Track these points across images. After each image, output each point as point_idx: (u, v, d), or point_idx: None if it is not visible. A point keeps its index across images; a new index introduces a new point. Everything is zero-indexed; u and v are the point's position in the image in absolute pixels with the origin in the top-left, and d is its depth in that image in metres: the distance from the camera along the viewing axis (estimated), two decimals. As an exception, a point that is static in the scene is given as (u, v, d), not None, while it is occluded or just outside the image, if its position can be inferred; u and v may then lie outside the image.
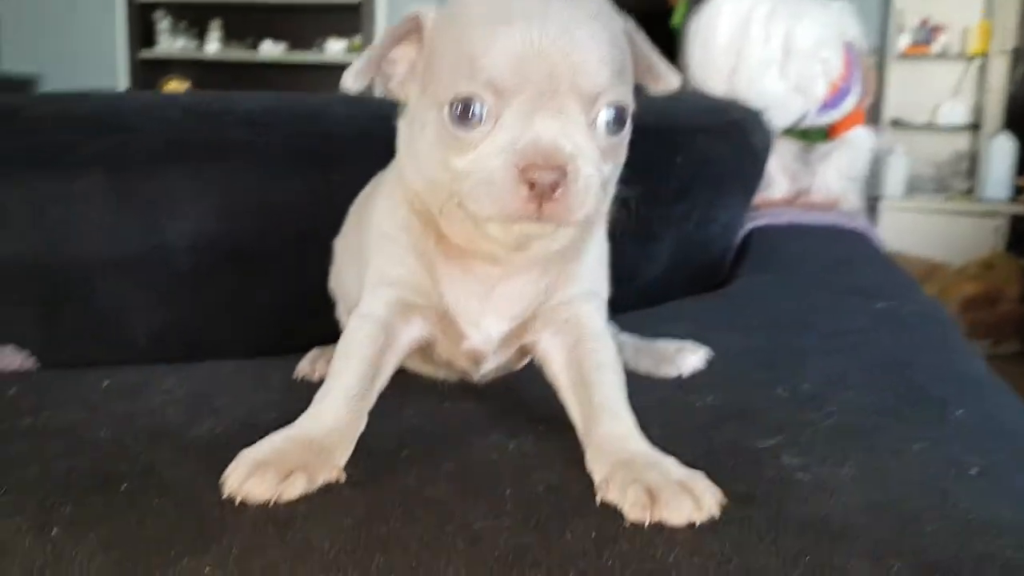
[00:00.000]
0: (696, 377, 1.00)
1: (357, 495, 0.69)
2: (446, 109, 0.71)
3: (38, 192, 1.11)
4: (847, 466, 0.75)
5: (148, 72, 6.07)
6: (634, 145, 1.58)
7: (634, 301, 1.67)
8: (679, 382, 0.98)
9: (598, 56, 0.71)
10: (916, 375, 1.00)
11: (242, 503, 0.67)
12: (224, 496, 0.68)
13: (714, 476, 0.72)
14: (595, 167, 0.70)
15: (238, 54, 5.92)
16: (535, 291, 0.82)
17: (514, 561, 0.60)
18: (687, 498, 0.66)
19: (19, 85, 6.28)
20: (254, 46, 5.83)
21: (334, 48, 5.72)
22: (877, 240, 2.20)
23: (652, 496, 0.66)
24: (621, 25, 0.77)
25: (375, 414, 0.84)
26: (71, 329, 1.14)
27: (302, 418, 0.75)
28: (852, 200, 2.57)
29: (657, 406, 0.90)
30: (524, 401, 0.90)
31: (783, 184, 2.58)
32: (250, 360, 1.06)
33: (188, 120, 1.20)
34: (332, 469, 0.71)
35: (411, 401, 0.89)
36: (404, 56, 0.78)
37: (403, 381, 0.94)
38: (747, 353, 1.08)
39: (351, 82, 0.76)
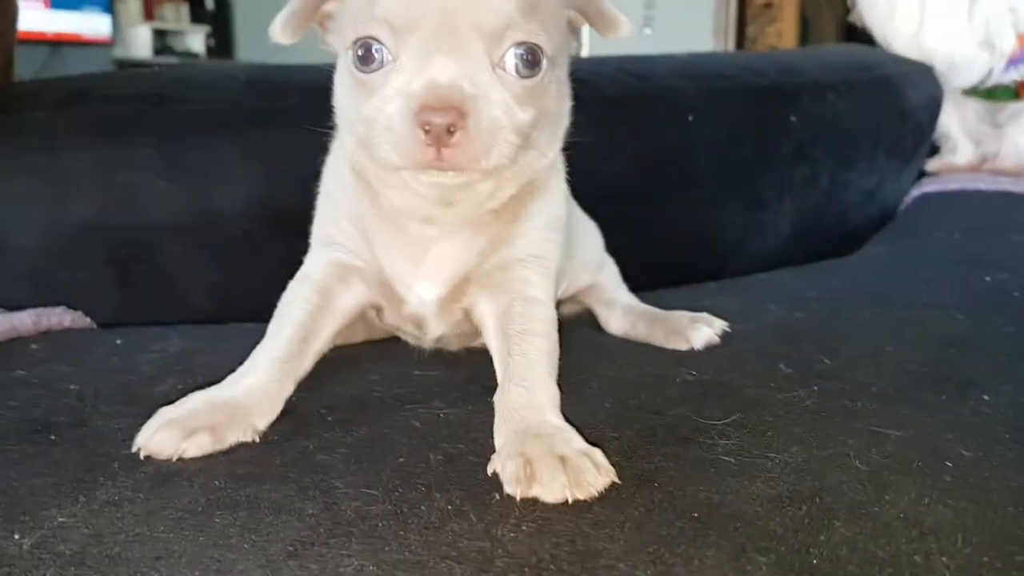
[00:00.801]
0: (705, 351, 0.92)
1: (253, 456, 0.69)
2: (350, 52, 0.69)
3: (106, 159, 1.17)
4: (790, 453, 0.66)
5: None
6: (736, 103, 1.50)
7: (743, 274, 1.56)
8: (681, 356, 0.91)
9: None
10: (962, 355, 0.87)
11: (147, 458, 0.68)
12: (133, 450, 0.69)
13: (630, 455, 0.66)
14: (503, 111, 0.66)
15: None
16: (469, 255, 0.78)
17: (342, 532, 0.57)
18: (563, 475, 0.60)
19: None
20: None
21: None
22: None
23: (531, 470, 0.61)
24: None
25: (333, 379, 0.83)
26: (140, 289, 1.21)
27: (227, 379, 0.76)
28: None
29: (635, 379, 0.84)
30: (493, 371, 0.86)
31: (967, 149, 2.33)
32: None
33: (246, 91, 1.23)
34: (246, 430, 0.71)
35: (381, 367, 0.88)
36: (337, 9, 0.76)
37: (387, 347, 0.93)
38: (783, 327, 0.98)
39: (278, 34, 0.74)
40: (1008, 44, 2.19)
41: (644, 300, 1.04)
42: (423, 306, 0.81)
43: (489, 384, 0.80)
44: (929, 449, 0.67)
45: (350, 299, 0.82)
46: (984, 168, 2.31)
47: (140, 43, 6.24)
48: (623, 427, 0.71)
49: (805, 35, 7.35)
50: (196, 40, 6.67)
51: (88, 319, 1.12)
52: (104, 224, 1.17)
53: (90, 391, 0.83)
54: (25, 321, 1.02)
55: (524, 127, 0.69)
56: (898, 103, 1.80)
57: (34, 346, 0.97)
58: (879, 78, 1.80)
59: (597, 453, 0.63)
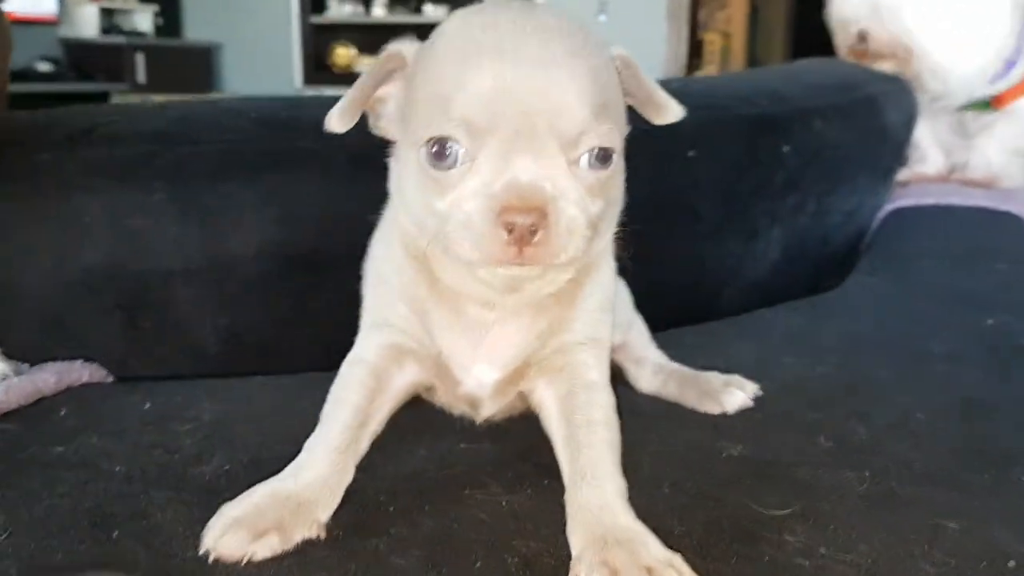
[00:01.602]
0: (737, 417, 0.93)
1: (325, 559, 0.68)
2: (423, 149, 0.69)
3: (116, 203, 1.15)
4: (858, 552, 0.68)
5: (319, 36, 6.28)
6: (734, 135, 1.51)
7: (738, 302, 1.59)
8: (716, 422, 0.92)
9: (576, 95, 0.67)
10: (992, 423, 0.90)
11: (216, 560, 0.68)
12: (200, 552, 0.68)
13: (704, 554, 0.67)
14: (579, 207, 0.67)
15: (402, 17, 6.03)
16: (528, 338, 0.79)
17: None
18: None
19: (202, 53, 6.66)
20: (417, 9, 5.93)
21: (494, 8, 5.72)
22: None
23: None
24: (607, 58, 0.72)
25: (382, 455, 0.83)
26: (149, 337, 1.19)
27: (286, 470, 0.75)
28: (1015, 176, 2.34)
29: (681, 453, 0.85)
30: (539, 443, 0.86)
31: (937, 158, 2.39)
32: (292, 376, 1.09)
33: (255, 131, 1.21)
34: (311, 525, 0.71)
35: (427, 440, 0.88)
36: (390, 93, 0.76)
37: (428, 416, 0.93)
38: (806, 385, 1.01)
39: (335, 124, 0.74)
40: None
41: (658, 341, 1.06)
42: (480, 388, 0.81)
43: (540, 461, 0.81)
44: (988, 544, 0.69)
45: (404, 380, 0.82)
46: (953, 178, 2.37)
47: (87, 22, 6.05)
48: (687, 518, 0.73)
49: (755, 20, 7.43)
50: (144, 19, 6.50)
51: (105, 371, 1.10)
52: (115, 269, 1.14)
53: (136, 472, 0.82)
54: (48, 381, 1.00)
55: (595, 219, 0.70)
56: (880, 124, 1.83)
57: (62, 412, 0.95)
58: (862, 99, 1.82)
59: (678, 559, 0.65)
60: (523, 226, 0.64)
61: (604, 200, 0.71)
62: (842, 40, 2.29)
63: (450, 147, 0.67)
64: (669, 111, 0.77)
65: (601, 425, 0.76)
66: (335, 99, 0.77)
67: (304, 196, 1.19)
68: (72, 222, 1.13)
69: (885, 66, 2.19)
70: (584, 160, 0.68)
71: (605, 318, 0.83)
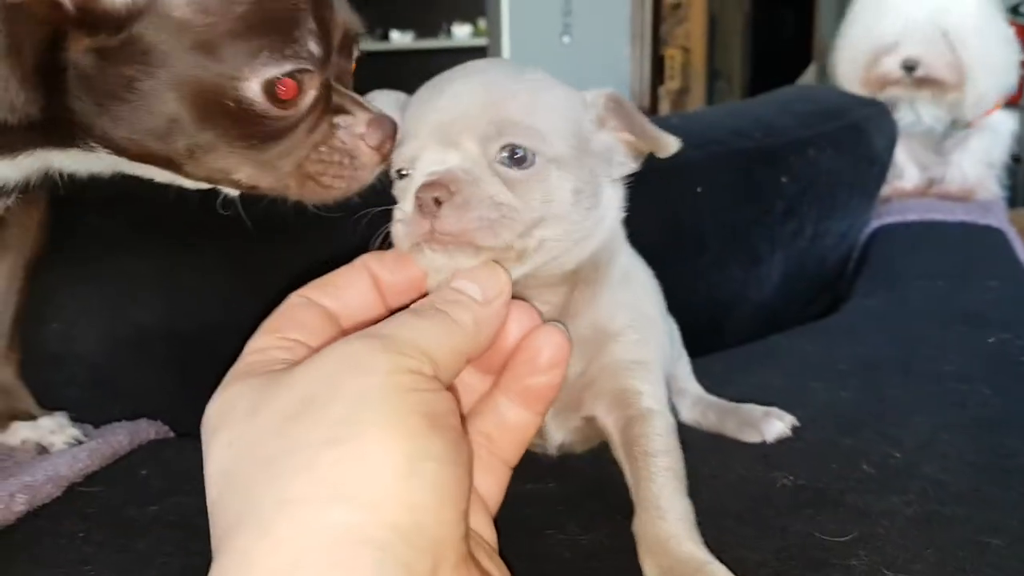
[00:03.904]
0: (780, 446, 1.00)
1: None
2: (395, 176, 0.80)
3: (167, 263, 1.20)
4: (916, 571, 0.75)
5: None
6: (735, 169, 1.59)
7: (746, 324, 1.67)
8: (763, 452, 0.99)
9: (491, 98, 0.75)
10: (1009, 440, 0.98)
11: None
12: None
13: (776, 583, 0.74)
14: (492, 190, 0.72)
15: (369, 45, 6.08)
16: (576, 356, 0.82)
17: None
18: None
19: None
20: (384, 37, 5.99)
21: (460, 33, 5.81)
22: (1011, 236, 2.11)
23: None
24: (560, 91, 0.80)
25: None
26: (202, 388, 1.22)
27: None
28: (990, 189, 2.45)
29: (736, 485, 0.92)
30: (604, 481, 0.92)
31: (913, 174, 2.49)
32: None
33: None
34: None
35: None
36: None
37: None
38: (835, 411, 1.08)
39: None
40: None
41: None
42: None
43: (608, 499, 0.87)
44: (1028, 556, 0.77)
45: None
46: (931, 192, 2.47)
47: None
48: (758, 549, 0.79)
49: (713, 34, 7.57)
50: None
51: (167, 428, 1.15)
52: (167, 327, 1.19)
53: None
54: (122, 442, 1.04)
55: (519, 211, 0.73)
56: (868, 150, 1.93)
57: (143, 472, 1.00)
58: (849, 126, 1.92)
59: (750, 586, 0.71)
60: (427, 199, 0.70)
61: (533, 201, 0.74)
62: (863, 67, 2.35)
63: (404, 170, 0.78)
64: (666, 144, 0.82)
65: (662, 454, 0.81)
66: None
67: (352, 251, 1.25)
68: (122, 283, 1.18)
69: (923, 94, 2.29)
70: (503, 156, 0.74)
71: (644, 338, 0.88)
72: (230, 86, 0.76)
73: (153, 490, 0.96)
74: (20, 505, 0.90)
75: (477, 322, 0.64)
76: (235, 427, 0.57)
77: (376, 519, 0.50)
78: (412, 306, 0.65)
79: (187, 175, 0.84)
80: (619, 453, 0.85)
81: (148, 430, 1.10)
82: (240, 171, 0.83)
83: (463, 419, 0.68)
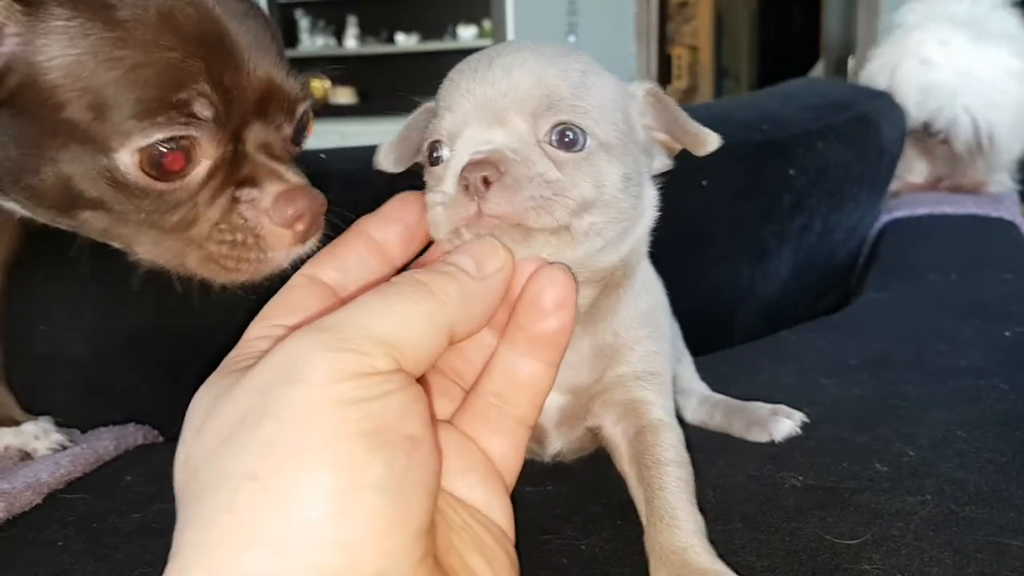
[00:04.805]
0: (790, 445, 0.96)
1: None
2: (426, 160, 0.73)
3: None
4: (933, 575, 0.71)
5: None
6: (742, 162, 1.56)
7: (753, 320, 1.64)
8: (772, 452, 0.95)
9: (540, 75, 0.70)
10: (1026, 436, 0.94)
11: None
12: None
13: (788, 587, 0.70)
14: (542, 169, 0.67)
15: (375, 48, 6.08)
16: (580, 359, 0.81)
17: None
18: None
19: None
20: (389, 39, 5.97)
21: (465, 35, 5.79)
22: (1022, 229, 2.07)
23: None
24: (600, 73, 0.75)
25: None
26: (191, 388, 1.20)
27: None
28: (1001, 181, 2.41)
29: (744, 485, 0.88)
30: (603, 483, 0.89)
31: (922, 168, 2.45)
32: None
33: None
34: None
35: (493, 485, 0.90)
36: None
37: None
38: (847, 408, 1.04)
39: (382, 162, 0.81)
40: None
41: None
42: (545, 415, 0.83)
43: (609, 501, 0.84)
44: (1052, 560, 0.73)
45: None
46: (941, 186, 2.43)
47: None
48: (765, 553, 0.76)
49: (720, 32, 7.54)
50: None
51: (156, 432, 1.12)
52: (157, 328, 1.16)
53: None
54: (108, 447, 1.02)
55: (568, 192, 0.68)
56: (877, 141, 1.89)
57: (128, 478, 0.97)
58: (858, 118, 1.88)
59: (766, 597, 0.68)
60: (476, 179, 0.64)
61: (584, 184, 0.69)
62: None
63: (437, 150, 0.72)
64: (707, 141, 0.78)
65: (673, 464, 0.79)
66: (358, 150, 0.80)
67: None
68: (113, 285, 1.15)
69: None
70: (553, 137, 0.69)
71: (660, 349, 0.85)
72: (100, 156, 0.69)
73: (137, 497, 0.92)
74: (-2, 513, 0.87)
75: (466, 295, 0.56)
76: (187, 443, 0.52)
77: (297, 565, 0.44)
78: (390, 280, 0.59)
79: (94, 238, 0.78)
80: (625, 464, 0.82)
81: (136, 434, 1.07)
82: (138, 245, 0.77)
83: (445, 418, 0.65)
